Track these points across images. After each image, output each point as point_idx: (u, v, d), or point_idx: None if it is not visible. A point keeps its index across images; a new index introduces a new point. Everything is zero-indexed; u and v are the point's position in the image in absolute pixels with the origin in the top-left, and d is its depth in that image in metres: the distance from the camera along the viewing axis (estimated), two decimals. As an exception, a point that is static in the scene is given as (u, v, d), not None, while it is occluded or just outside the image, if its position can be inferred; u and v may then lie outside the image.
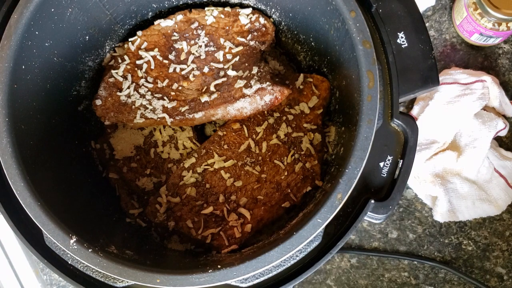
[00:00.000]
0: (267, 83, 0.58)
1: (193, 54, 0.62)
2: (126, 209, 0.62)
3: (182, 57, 0.63)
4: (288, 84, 0.62)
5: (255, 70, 0.60)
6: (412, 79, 0.53)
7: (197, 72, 0.62)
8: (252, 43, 0.62)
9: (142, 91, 0.61)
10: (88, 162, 0.63)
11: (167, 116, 0.59)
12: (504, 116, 0.71)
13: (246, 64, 0.61)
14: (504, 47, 0.74)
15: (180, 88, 0.61)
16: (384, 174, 0.51)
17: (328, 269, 0.71)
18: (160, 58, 0.62)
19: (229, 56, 0.62)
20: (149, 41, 0.63)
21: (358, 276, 0.70)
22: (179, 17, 0.63)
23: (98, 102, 0.61)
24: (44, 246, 0.50)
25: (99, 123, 0.65)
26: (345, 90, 0.56)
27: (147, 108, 0.60)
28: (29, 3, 0.50)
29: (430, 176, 0.69)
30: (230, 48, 0.62)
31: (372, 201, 0.49)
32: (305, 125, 0.61)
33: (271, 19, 0.64)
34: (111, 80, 0.61)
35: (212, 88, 0.60)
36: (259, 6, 0.64)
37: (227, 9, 0.63)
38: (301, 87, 0.62)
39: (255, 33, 0.63)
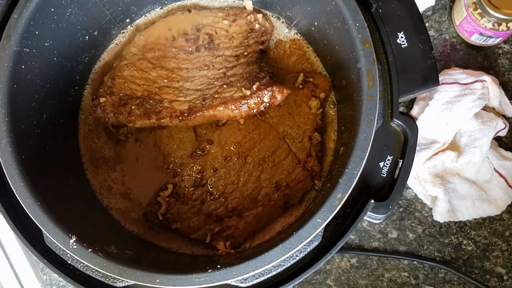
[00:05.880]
0: (267, 83, 0.58)
1: (192, 53, 0.62)
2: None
3: (182, 56, 0.63)
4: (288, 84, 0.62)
5: (255, 70, 0.60)
6: (412, 79, 0.53)
7: (197, 72, 0.62)
8: (251, 42, 0.62)
9: (141, 91, 0.61)
10: (88, 162, 0.63)
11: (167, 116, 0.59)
12: (504, 116, 0.71)
13: (246, 64, 0.61)
14: (504, 47, 0.74)
15: (180, 88, 0.61)
16: (384, 174, 0.51)
17: (328, 269, 0.71)
18: (160, 58, 0.62)
19: (229, 56, 0.62)
20: (148, 41, 0.63)
21: (358, 276, 0.70)
22: (179, 16, 0.63)
23: (98, 102, 0.61)
24: (44, 246, 0.50)
25: (98, 123, 0.65)
26: (344, 90, 0.55)
27: (147, 108, 0.60)
28: (29, 3, 0.50)
29: (430, 176, 0.69)
30: (230, 48, 0.62)
31: (372, 201, 0.49)
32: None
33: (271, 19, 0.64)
34: (110, 80, 0.61)
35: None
36: (259, 6, 0.64)
37: (227, 9, 0.63)
38: (300, 86, 0.62)
39: (254, 33, 0.63)
